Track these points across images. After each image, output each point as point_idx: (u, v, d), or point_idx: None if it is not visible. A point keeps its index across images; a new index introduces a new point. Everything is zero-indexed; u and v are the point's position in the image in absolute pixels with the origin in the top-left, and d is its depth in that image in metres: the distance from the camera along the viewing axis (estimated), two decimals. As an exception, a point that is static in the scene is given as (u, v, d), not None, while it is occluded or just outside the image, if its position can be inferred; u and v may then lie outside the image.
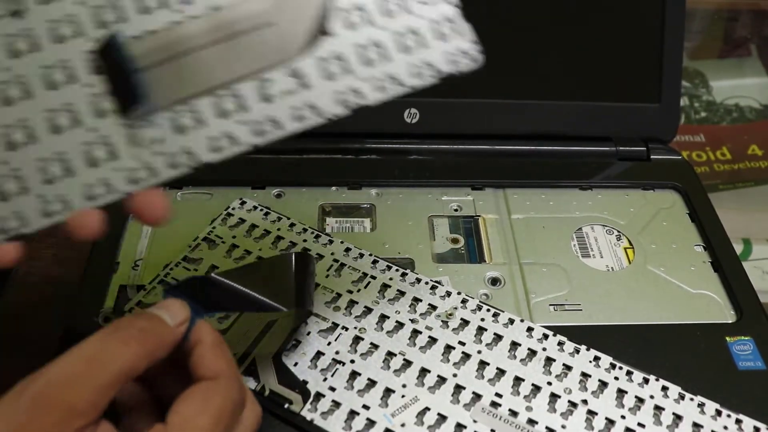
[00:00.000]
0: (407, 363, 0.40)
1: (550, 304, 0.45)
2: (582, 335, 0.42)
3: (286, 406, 0.38)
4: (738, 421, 0.38)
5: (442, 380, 0.39)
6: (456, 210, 0.52)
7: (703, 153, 0.72)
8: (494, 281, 0.47)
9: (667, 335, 0.43)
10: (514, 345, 0.41)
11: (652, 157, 0.57)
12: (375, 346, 0.41)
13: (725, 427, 0.38)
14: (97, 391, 0.27)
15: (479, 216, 0.52)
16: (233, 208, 0.49)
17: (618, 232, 0.51)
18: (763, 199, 0.68)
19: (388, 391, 0.39)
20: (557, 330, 0.42)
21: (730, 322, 0.45)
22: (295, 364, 0.40)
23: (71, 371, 0.27)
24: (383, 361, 0.40)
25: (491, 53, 0.56)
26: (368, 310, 0.43)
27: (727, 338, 0.43)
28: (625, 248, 0.50)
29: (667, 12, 0.55)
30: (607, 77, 0.57)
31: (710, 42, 0.86)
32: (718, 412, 0.38)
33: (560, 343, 0.41)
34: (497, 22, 0.56)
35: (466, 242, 0.50)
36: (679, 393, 0.39)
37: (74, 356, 0.28)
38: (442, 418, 0.38)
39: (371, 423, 0.37)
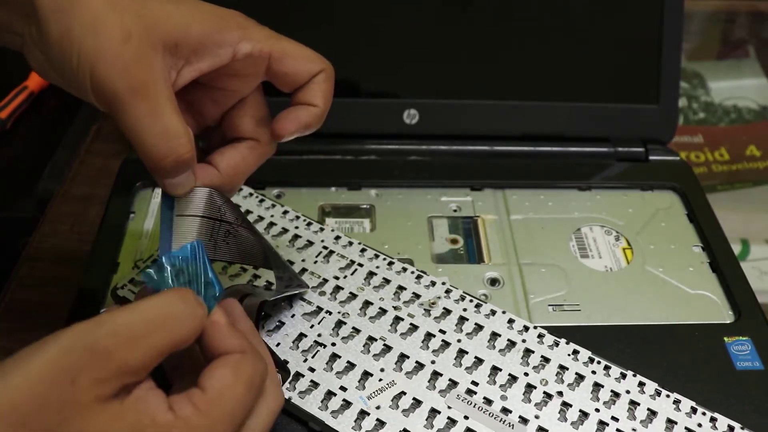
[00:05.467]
0: (387, 348, 0.41)
1: (549, 305, 0.45)
2: (580, 335, 0.42)
3: None
4: (713, 419, 0.38)
5: (420, 366, 0.40)
6: (455, 210, 0.52)
7: (701, 154, 0.72)
8: (493, 281, 0.47)
9: (665, 335, 0.43)
10: (494, 335, 0.42)
11: (650, 157, 0.57)
12: (357, 331, 0.41)
13: (699, 425, 0.38)
14: (153, 353, 0.28)
15: (478, 216, 0.52)
16: None
17: (617, 232, 0.51)
18: (761, 200, 0.68)
19: (366, 374, 0.39)
20: (556, 330, 0.42)
21: (728, 322, 0.45)
22: (278, 345, 0.41)
23: (133, 330, 0.28)
24: (364, 346, 0.41)
25: (490, 54, 0.56)
26: (353, 296, 0.43)
27: (725, 338, 0.43)
28: (624, 249, 0.50)
29: (666, 13, 0.56)
30: (606, 78, 0.57)
31: (708, 43, 0.86)
32: (694, 410, 0.39)
33: (540, 336, 0.42)
34: (496, 23, 0.56)
35: (465, 243, 0.50)
36: (656, 389, 0.39)
37: (138, 315, 0.29)
38: (417, 402, 0.38)
39: (347, 404, 0.38)
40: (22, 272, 0.51)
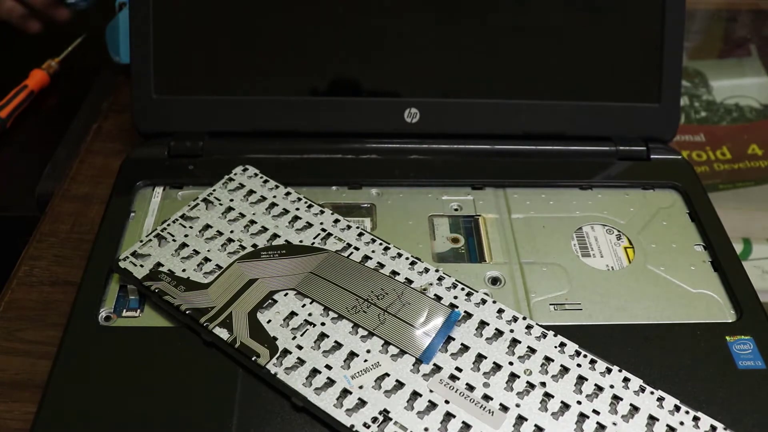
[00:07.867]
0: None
1: (551, 304, 0.45)
2: (582, 335, 0.42)
3: (254, 359, 0.39)
4: (695, 419, 0.38)
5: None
6: (456, 209, 0.52)
7: (703, 153, 0.72)
8: (494, 281, 0.47)
9: (666, 334, 0.43)
10: (483, 324, 0.42)
11: (652, 156, 0.57)
12: None
13: (681, 423, 0.38)
14: None
15: (479, 215, 0.52)
16: (235, 174, 0.51)
17: (618, 231, 0.51)
18: (763, 199, 0.68)
19: (352, 355, 0.40)
20: (557, 329, 0.42)
21: (730, 321, 0.45)
22: (269, 322, 0.41)
23: None
24: (352, 327, 0.41)
25: (491, 53, 0.56)
26: None
27: (727, 337, 0.43)
28: (625, 248, 0.50)
29: (667, 12, 0.55)
30: (608, 77, 0.57)
31: (710, 42, 0.86)
32: (677, 408, 0.39)
33: (528, 327, 0.42)
34: (497, 22, 0.56)
35: (466, 242, 0.50)
36: (640, 386, 0.39)
37: None
38: (399, 384, 0.39)
39: (331, 382, 0.39)
40: (22, 272, 0.51)
